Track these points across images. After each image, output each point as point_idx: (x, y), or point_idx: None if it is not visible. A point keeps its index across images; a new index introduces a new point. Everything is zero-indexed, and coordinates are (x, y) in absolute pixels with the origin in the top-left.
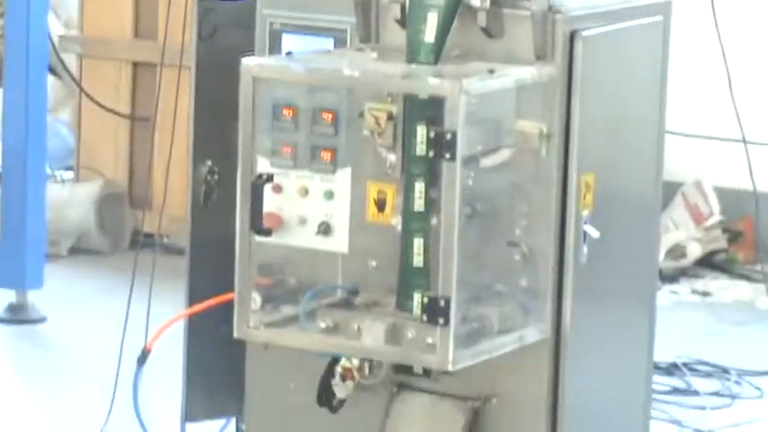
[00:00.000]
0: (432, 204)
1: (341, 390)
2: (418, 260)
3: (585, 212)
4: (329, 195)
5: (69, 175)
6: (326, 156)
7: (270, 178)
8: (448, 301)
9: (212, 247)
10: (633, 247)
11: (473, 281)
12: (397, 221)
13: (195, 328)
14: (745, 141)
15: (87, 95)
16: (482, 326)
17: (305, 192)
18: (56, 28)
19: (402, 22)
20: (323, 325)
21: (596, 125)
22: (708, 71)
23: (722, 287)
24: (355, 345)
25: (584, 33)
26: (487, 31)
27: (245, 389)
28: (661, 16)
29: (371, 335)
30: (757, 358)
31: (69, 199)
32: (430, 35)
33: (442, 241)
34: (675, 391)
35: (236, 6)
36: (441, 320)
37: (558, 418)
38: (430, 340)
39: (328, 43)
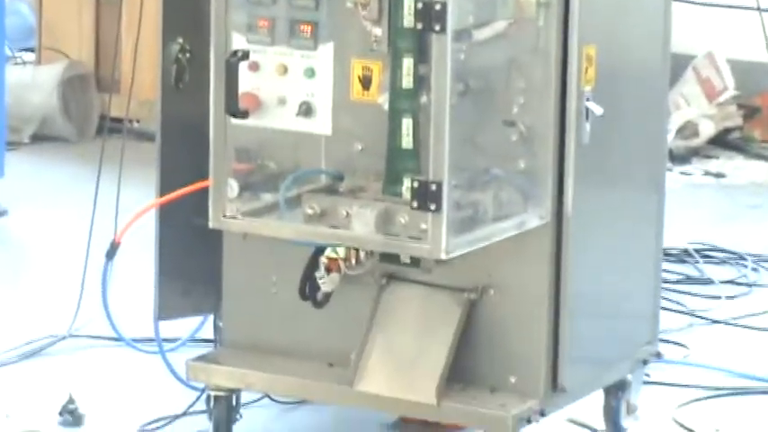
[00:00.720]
0: (421, 81)
1: (326, 283)
2: (407, 142)
3: (588, 88)
4: (310, 73)
5: (31, 56)
6: (306, 30)
7: (246, 56)
8: (440, 186)
9: (185, 132)
10: (640, 126)
11: (466, 163)
12: (383, 100)
13: (167, 218)
14: (760, 9)
15: None
16: (477, 212)
17: (284, 70)
18: None
19: None
20: (309, 212)
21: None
22: None
23: (737, 168)
24: (343, 233)
25: None
26: None
27: (222, 284)
28: None
29: (361, 222)
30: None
31: (31, 82)
32: None
33: (432, 121)
34: (688, 279)
35: None
36: (432, 206)
37: (561, 309)
38: (422, 227)
39: None
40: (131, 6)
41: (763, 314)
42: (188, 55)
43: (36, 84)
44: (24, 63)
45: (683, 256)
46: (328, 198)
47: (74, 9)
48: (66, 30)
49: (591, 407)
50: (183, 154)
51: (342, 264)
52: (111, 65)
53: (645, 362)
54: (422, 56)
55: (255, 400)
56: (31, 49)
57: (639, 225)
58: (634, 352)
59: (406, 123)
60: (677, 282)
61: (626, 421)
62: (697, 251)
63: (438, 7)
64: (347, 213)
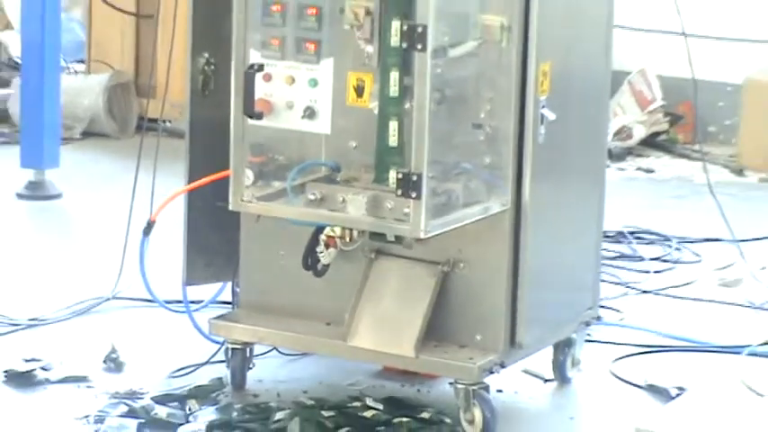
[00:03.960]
0: (405, 90)
1: (325, 256)
2: (393, 140)
3: (543, 97)
4: (314, 83)
5: (81, 67)
6: (311, 47)
7: (260, 68)
8: (420, 177)
9: (209, 130)
10: (585, 129)
11: (442, 159)
12: (374, 106)
13: (194, 202)
14: (684, 34)
15: None
16: (450, 199)
17: (292, 80)
18: None
19: None
20: (311, 198)
21: (552, 18)
22: None
23: (664, 165)
24: (339, 215)
25: None
26: None
27: (240, 256)
28: None
29: (354, 206)
30: (695, 227)
31: (82, 88)
32: None
33: (414, 123)
34: (622, 256)
35: None
36: (413, 194)
37: (519, 280)
38: (404, 211)
39: None
40: (166, 25)
41: (684, 286)
42: (212, 67)
43: (86, 89)
44: (76, 72)
45: (618, 238)
46: (327, 186)
47: (117, 27)
48: (111, 45)
49: (542, 360)
50: (208, 148)
51: (338, 241)
52: (148, 74)
53: (587, 324)
54: (406, 70)
55: (265, 352)
56: (81, 61)
57: (584, 211)
58: (578, 315)
59: (393, 125)
60: (614, 258)
61: (570, 372)
62: (630, 233)
63: (420, 30)
64: (343, 199)
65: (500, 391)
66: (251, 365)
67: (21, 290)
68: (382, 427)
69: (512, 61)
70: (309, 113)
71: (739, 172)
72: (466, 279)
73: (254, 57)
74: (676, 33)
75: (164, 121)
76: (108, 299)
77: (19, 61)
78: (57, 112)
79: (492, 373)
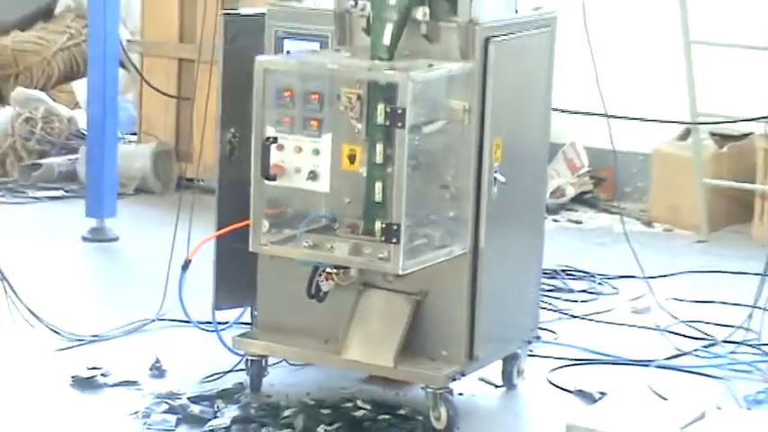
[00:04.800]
0: (387, 159)
1: (325, 286)
2: (378, 197)
3: (496, 164)
4: (316, 152)
5: (134, 137)
6: (314, 124)
7: (275, 140)
8: (399, 226)
9: (234, 188)
10: (528, 189)
11: (416, 212)
12: (363, 170)
13: (222, 245)
14: (606, 115)
15: (146, 82)
16: (422, 243)
17: (299, 150)
18: (125, 34)
19: (367, 31)
20: (313, 242)
21: (503, 103)
22: (580, 69)
23: (590, 217)
24: (335, 256)
25: (495, 39)
26: (428, 38)
27: (258, 287)
28: (549, 27)
29: (348, 249)
30: (613, 267)
31: (134, 154)
32: (387, 39)
33: (394, 184)
34: (556, 289)
35: (250, 18)
36: (394, 240)
37: (476, 307)
38: (386, 253)
39: (315, 46)
40: (200, 106)
41: (605, 312)
42: (237, 138)
43: (137, 155)
44: (129, 142)
45: (553, 274)
46: (325, 235)
47: (162, 107)
48: (157, 120)
49: (494, 370)
50: (233, 203)
51: (335, 276)
52: (186, 143)
53: (529, 341)
54: (389, 142)
55: (277, 363)
56: (134, 133)
57: (527, 253)
58: (522, 335)
59: (378, 185)
60: (550, 290)
61: (516, 380)
62: (563, 271)
63: (400, 112)
64: (339, 243)
65: (461, 394)
66: (265, 373)
67: (85, 312)
68: (369, 422)
69: (471, 136)
70: (313, 176)
71: (648, 224)
72: (434, 306)
73: (270, 131)
74: (600, 114)
75: (198, 181)
76: (153, 320)
77: (85, 133)
78: (114, 173)
79: (454, 380)
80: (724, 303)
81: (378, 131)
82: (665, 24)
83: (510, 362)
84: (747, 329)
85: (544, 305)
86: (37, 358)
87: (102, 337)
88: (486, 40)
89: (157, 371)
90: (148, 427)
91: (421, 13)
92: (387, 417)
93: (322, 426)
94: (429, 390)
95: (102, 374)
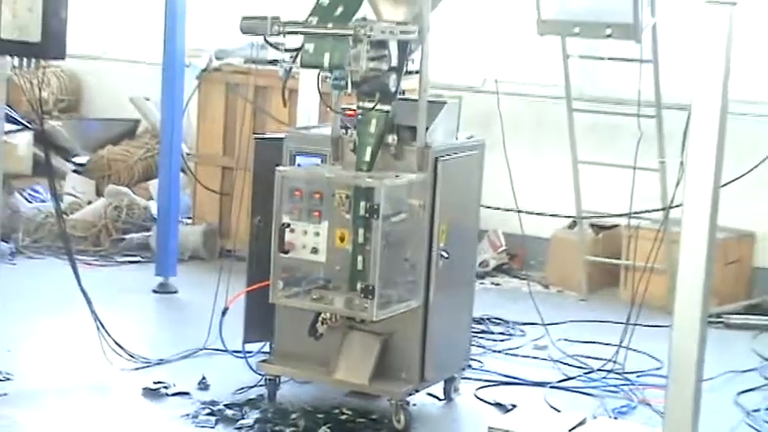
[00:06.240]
0: (367, 239)
1: (321, 329)
2: (360, 266)
3: (442, 244)
4: (317, 234)
5: (189, 220)
6: (316, 215)
7: (288, 225)
8: (374, 287)
9: (259, 258)
10: (463, 261)
11: (386, 277)
12: (349, 247)
13: (251, 297)
14: (518, 211)
15: (199, 182)
16: (390, 299)
17: (305, 232)
18: (185, 149)
19: (353, 151)
20: (314, 297)
21: (447, 202)
22: (500, 177)
23: (506, 281)
24: (329, 307)
25: (442, 158)
26: (395, 156)
27: (275, 327)
28: (479, 150)
29: (337, 302)
30: (521, 317)
31: (189, 232)
32: (367, 157)
33: (371, 257)
34: (482, 331)
35: (273, 140)
36: (370, 296)
37: (426, 344)
38: (365, 306)
39: (317, 160)
40: (237, 200)
41: (516, 348)
42: (262, 223)
43: (191, 233)
44: (186, 223)
45: (480, 320)
46: (323, 290)
47: (209, 199)
48: (206, 208)
49: (438, 388)
50: (259, 268)
51: (329, 321)
52: (227, 225)
53: (463, 368)
54: (368, 228)
55: (287, 380)
56: (189, 217)
57: (462, 305)
58: (458, 363)
59: (360, 258)
60: (478, 332)
61: (453, 395)
62: (487, 319)
63: (375, 207)
64: (332, 298)
65: (415, 404)
66: (279, 388)
67: (153, 343)
68: (351, 424)
69: (425, 224)
70: (314, 251)
71: (546, 286)
72: (397, 343)
73: (285, 219)
74: (514, 210)
75: (234, 252)
76: (201, 349)
77: (156, 217)
78: (176, 245)
79: (410, 394)
80: (598, 343)
81: (360, 220)
82: (559, 148)
83: (449, 382)
84: (615, 362)
85: (473, 343)
86: (119, 375)
87: (165, 361)
88: (436, 159)
89: (203, 385)
90: (195, 425)
91: (391, 139)
92: (363, 420)
93: (322, 427)
94: (392, 401)
95: (164, 387)
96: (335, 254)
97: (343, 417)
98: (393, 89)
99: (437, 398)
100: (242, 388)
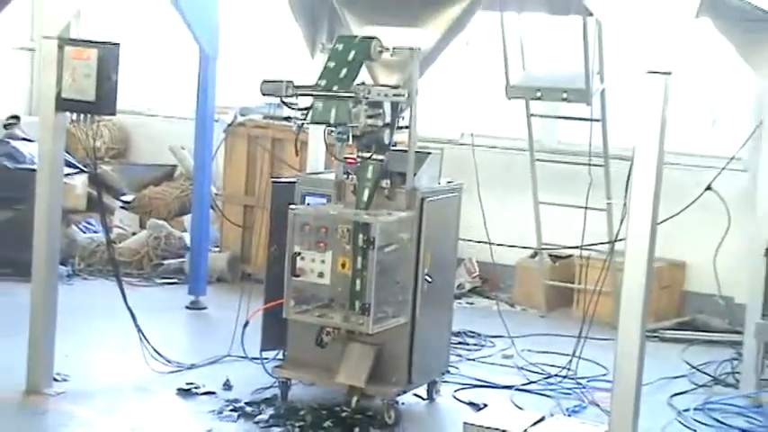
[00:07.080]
0: (364, 266)
1: (326, 339)
2: (359, 287)
3: (426, 270)
4: (322, 261)
5: (217, 249)
6: (322, 245)
7: (299, 254)
8: (370, 305)
9: (275, 281)
10: (444, 284)
11: (380, 297)
12: (350, 273)
13: (268, 313)
14: (490, 243)
15: (225, 218)
16: (384, 315)
17: (313, 260)
18: (213, 189)
19: (353, 192)
20: (319, 313)
21: (431, 236)
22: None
23: (479, 301)
24: (333, 321)
25: (428, 199)
26: (388, 197)
27: (288, 337)
28: (457, 192)
29: (339, 318)
30: (491, 330)
31: (217, 258)
32: (365, 198)
33: (368, 280)
34: (459, 342)
35: (287, 183)
36: (367, 313)
37: (413, 353)
38: (362, 321)
39: (323, 200)
40: (257, 232)
41: (487, 357)
42: (277, 252)
43: (218, 259)
44: (214, 251)
45: (458, 333)
46: (327, 308)
47: (233, 232)
48: (231, 239)
49: (422, 389)
50: (274, 288)
51: (333, 332)
52: (248, 253)
53: (443, 373)
54: (364, 256)
55: (297, 383)
56: (217, 246)
57: (443, 321)
58: (439, 368)
59: (358, 281)
60: (456, 343)
61: (435, 396)
62: (462, 332)
63: (371, 239)
64: (335, 314)
65: (403, 403)
66: (290, 389)
67: (186, 350)
68: (350, 420)
69: (412, 253)
70: (320, 275)
71: (512, 305)
72: (389, 351)
73: (297, 248)
74: (485, 242)
75: (254, 274)
76: (226, 356)
77: (189, 246)
78: (205, 269)
79: (399, 395)
80: (556, 353)
81: (359, 250)
82: (523, 191)
83: (432, 385)
84: (569, 369)
85: (452, 352)
86: (157, 377)
87: (196, 366)
88: (422, 200)
89: (227, 386)
90: (220, 419)
91: (384, 183)
92: (360, 416)
93: (326, 422)
94: (384, 400)
95: (194, 387)
96: (338, 278)
97: (344, 413)
98: (387, 142)
99: (421, 398)
100: (259, 388)
